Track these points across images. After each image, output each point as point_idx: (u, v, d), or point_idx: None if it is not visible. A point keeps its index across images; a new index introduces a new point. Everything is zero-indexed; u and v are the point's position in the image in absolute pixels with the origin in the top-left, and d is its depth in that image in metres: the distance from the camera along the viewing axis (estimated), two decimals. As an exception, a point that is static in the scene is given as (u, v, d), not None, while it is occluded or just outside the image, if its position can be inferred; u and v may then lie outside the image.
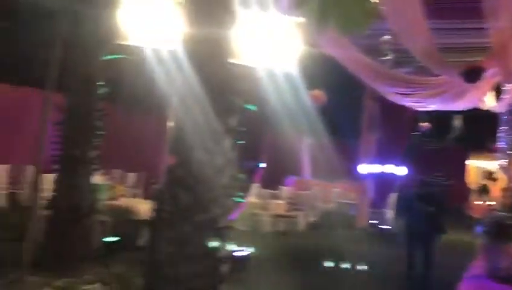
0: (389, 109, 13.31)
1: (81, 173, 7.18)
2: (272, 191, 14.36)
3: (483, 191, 22.82)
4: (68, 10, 4.19)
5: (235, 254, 7.94)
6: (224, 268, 3.65)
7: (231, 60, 3.50)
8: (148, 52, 3.88)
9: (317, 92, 8.48)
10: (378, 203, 14.37)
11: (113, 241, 7.75)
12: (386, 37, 7.76)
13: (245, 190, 5.85)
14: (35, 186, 8.31)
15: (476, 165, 24.89)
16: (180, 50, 3.42)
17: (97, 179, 8.73)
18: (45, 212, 7.34)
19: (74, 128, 7.08)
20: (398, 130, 14.32)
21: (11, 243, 7.02)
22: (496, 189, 19.64)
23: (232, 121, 3.61)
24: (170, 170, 3.53)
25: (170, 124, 3.66)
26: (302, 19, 3.73)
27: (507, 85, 9.73)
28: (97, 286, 5.79)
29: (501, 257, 9.11)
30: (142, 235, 8.15)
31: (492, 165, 13.88)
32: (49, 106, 4.16)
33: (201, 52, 3.45)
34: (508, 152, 10.10)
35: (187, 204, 3.46)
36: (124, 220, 8.68)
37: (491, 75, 7.93)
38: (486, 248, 9.09)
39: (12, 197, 11.98)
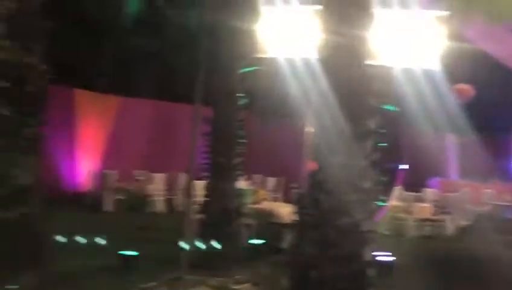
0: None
1: (227, 179, 7.69)
2: (416, 193, 13.63)
3: None
4: (211, 30, 4.57)
5: (379, 258, 7.75)
6: (371, 272, 3.61)
7: (368, 62, 3.45)
8: (283, 62, 4.03)
9: (463, 87, 7.88)
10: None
11: (259, 244, 8.11)
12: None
13: (387, 192, 5.67)
14: (188, 192, 9.15)
15: None
16: (315, 57, 3.49)
17: (241, 184, 9.27)
18: (198, 216, 8.02)
19: (219, 138, 7.62)
20: None
21: (170, 245, 7.79)
22: None
23: (371, 123, 3.56)
24: (311, 175, 3.61)
25: (308, 130, 3.74)
26: (445, 12, 3.54)
27: None
28: (247, 285, 6.11)
29: None
30: (285, 237, 8.41)
31: None
32: (198, 119, 4.55)
33: (338, 56, 3.48)
34: None
35: (329, 208, 3.50)
36: (267, 223, 9.03)
37: None
38: None
39: (169, 202, 13.30)
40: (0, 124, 3.20)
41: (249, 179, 13.97)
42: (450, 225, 11.90)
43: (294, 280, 3.62)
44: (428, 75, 4.58)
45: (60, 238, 8.42)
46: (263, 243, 8.09)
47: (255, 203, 10.36)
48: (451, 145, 23.67)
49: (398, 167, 7.73)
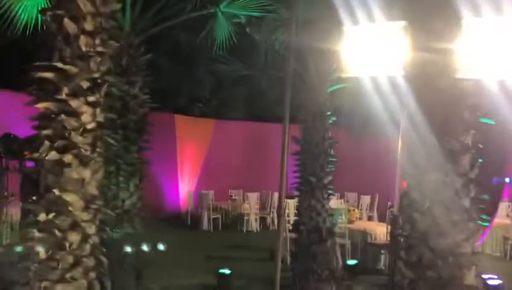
0: None
1: (318, 198, 7.65)
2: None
3: None
4: (297, 51, 4.66)
5: (487, 282, 7.17)
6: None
7: (459, 75, 3.29)
8: (369, 80, 3.96)
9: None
10: None
11: (353, 264, 7.93)
12: None
13: (491, 211, 5.28)
14: (280, 211, 9.23)
15: None
16: (400, 74, 3.39)
17: (334, 203, 9.14)
18: (291, 235, 8.05)
19: (309, 156, 7.63)
20: None
21: (263, 263, 7.90)
22: None
23: (467, 139, 3.37)
24: (405, 194, 3.49)
25: (400, 146, 3.63)
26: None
27: None
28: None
29: None
30: (380, 258, 8.13)
31: None
32: (287, 138, 4.63)
33: (428, 72, 3.36)
34: None
35: (424, 228, 3.36)
36: (361, 242, 8.81)
37: None
38: None
39: (263, 221, 13.50)
40: (108, 151, 3.53)
41: (342, 197, 13.75)
42: None
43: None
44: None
45: (159, 256, 8.97)
46: (357, 263, 7.89)
47: (349, 222, 10.16)
48: None
49: (503, 182, 7.12)
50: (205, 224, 13.09)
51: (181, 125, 14.72)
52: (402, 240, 3.49)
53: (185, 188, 14.82)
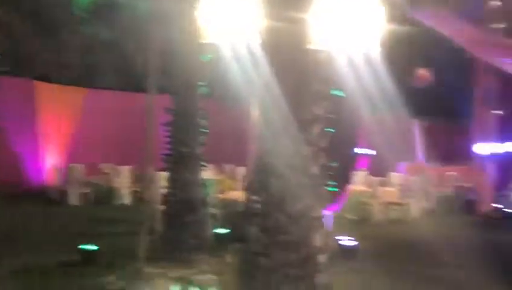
0: (507, 81, 12.08)
1: (190, 169, 7.62)
2: (382, 178, 13.87)
3: None
4: (159, 17, 4.47)
5: (342, 243, 7.85)
6: (322, 258, 3.62)
7: (311, 46, 3.43)
8: (227, 48, 3.96)
9: (421, 72, 7.97)
10: (501, 185, 13.15)
11: (224, 233, 8.09)
12: (495, 3, 7.03)
13: (344, 178, 5.73)
14: (151, 183, 9.04)
15: None
16: (257, 42, 3.44)
17: (207, 174, 9.20)
18: (162, 207, 7.94)
19: (181, 128, 7.53)
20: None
21: (134, 237, 7.70)
22: None
23: (318, 109, 3.56)
24: (258, 158, 3.59)
25: (254, 114, 3.70)
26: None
27: None
28: (210, 276, 6.08)
29: None
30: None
31: None
32: (152, 108, 4.47)
33: (280, 40, 3.44)
34: None
35: (279, 193, 3.49)
36: (233, 212, 9.02)
37: None
38: None
39: (135, 194, 13.14)
40: None
41: (218, 169, 13.92)
42: (415, 207, 12.16)
43: (246, 268, 3.62)
44: (377, 59, 4.60)
45: (18, 233, 8.26)
46: (228, 233, 8.07)
47: (221, 193, 10.34)
48: (417, 131, 24.20)
49: (355, 152, 7.76)
50: (74, 199, 12.38)
51: (44, 93, 13.52)
52: (257, 206, 3.59)
53: (51, 161, 13.77)
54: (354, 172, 9.11)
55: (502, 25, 6.83)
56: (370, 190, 12.00)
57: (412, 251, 8.57)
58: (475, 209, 13.10)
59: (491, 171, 13.06)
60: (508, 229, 10.96)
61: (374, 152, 19.54)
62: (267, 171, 3.55)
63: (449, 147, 20.77)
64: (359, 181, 13.44)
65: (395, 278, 6.73)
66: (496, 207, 12.98)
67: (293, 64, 3.46)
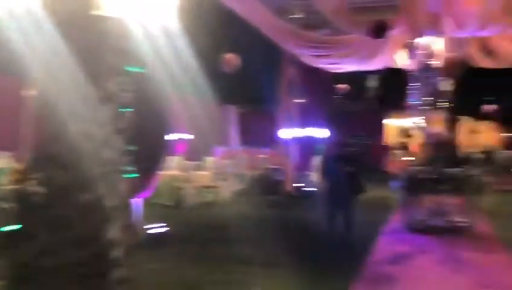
0: (307, 72, 13.26)
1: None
2: (197, 162, 13.98)
3: (401, 148, 23.92)
4: None
5: (151, 231, 7.57)
6: (116, 252, 3.26)
7: (99, 12, 3.00)
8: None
9: (229, 56, 8.07)
10: (302, 166, 14.48)
11: (14, 230, 7.02)
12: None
13: (153, 163, 5.41)
14: None
15: (394, 124, 26.04)
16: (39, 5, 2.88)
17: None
18: None
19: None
20: (318, 93, 14.36)
21: None
22: (413, 146, 20.62)
23: (111, 86, 3.15)
24: (41, 146, 3.04)
25: (32, 91, 3.12)
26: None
27: (418, 43, 9.92)
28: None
29: (417, 210, 9.51)
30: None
31: (408, 122, 14.33)
32: None
33: (64, 5, 2.94)
34: (420, 108, 10.37)
35: (65, 184, 3.01)
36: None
37: (400, 32, 7.99)
38: (403, 201, 9.47)
39: None
40: None
41: (14, 156, 12.16)
42: (227, 189, 12.55)
43: (22, 272, 3.04)
44: (182, 38, 4.41)
45: None
46: (20, 229, 7.01)
47: (14, 183, 9.01)
48: (232, 116, 25.27)
49: (170, 136, 7.52)
50: None
51: None
52: (38, 199, 3.04)
53: None
54: (166, 156, 8.86)
55: (299, 15, 7.23)
56: (184, 174, 11.94)
57: (219, 232, 8.78)
58: (281, 189, 14.15)
59: (293, 154, 14.24)
60: (305, 206, 12.10)
61: (190, 137, 19.74)
62: (49, 158, 3.02)
63: (260, 132, 22.24)
64: (173, 166, 13.31)
65: (200, 261, 6.76)
66: (297, 186, 14.24)
67: (79, 32, 2.98)
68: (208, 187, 12.21)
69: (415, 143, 11.28)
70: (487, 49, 10.10)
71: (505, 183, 18.51)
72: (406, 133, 23.05)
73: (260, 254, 7.14)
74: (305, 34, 8.34)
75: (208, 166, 14.30)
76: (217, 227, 9.37)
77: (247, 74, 20.31)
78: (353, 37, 8.34)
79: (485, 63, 10.73)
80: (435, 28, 7.19)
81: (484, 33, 7.54)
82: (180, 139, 19.00)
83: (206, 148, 18.08)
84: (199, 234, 8.76)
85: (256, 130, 24.02)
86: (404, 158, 22.79)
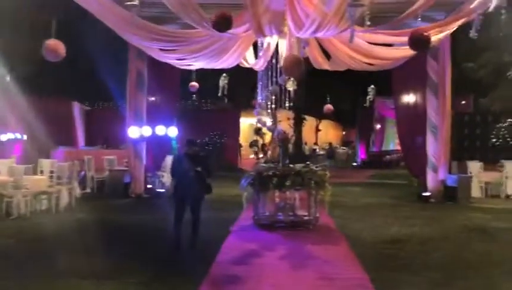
0: (157, 68, 12.70)
1: None
2: (32, 165, 12.40)
3: (254, 146, 24.64)
4: None
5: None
6: None
7: None
8: None
9: (52, 42, 7.04)
10: (152, 167, 13.85)
11: None
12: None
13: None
14: None
15: (248, 122, 26.78)
16: None
17: None
18: None
19: None
20: (168, 91, 13.85)
21: None
22: (265, 143, 21.38)
23: None
24: None
25: None
26: None
27: (264, 43, 10.08)
28: None
29: (265, 206, 9.67)
30: None
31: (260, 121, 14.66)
32: None
33: None
34: (268, 107, 10.60)
35: None
36: None
37: (245, 29, 7.96)
38: (252, 198, 9.55)
39: None
40: None
41: None
42: (68, 194, 11.34)
43: None
44: None
45: None
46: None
47: None
48: (77, 114, 23.34)
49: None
50: None
51: None
52: None
53: None
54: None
55: (135, 2, 6.62)
56: (14, 179, 10.43)
57: (47, 244, 7.82)
58: (129, 192, 13.35)
59: (143, 154, 13.52)
60: (154, 208, 11.55)
61: (24, 137, 17.62)
62: None
63: (109, 131, 20.86)
64: (2, 171, 11.65)
65: (21, 278, 5.88)
66: (148, 188, 13.59)
67: None
68: (43, 193, 10.86)
69: (267, 141, 11.51)
70: (326, 52, 10.74)
71: (343, 177, 20.31)
72: (258, 131, 23.86)
73: (95, 264, 6.48)
74: (151, 26, 7.81)
75: (45, 169, 12.80)
76: (46, 238, 8.32)
77: (93, 68, 18.93)
78: (200, 32, 8.06)
79: (325, 65, 11.42)
80: (277, 28, 7.29)
81: (319, 34, 7.87)
82: (13, 140, 16.81)
83: (44, 150, 16.33)
84: (22, 247, 7.66)
85: (104, 129, 22.51)
86: (256, 156, 23.64)
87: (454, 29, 7.55)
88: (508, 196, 13.85)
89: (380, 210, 11.57)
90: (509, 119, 17.97)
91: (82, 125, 23.95)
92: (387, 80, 14.38)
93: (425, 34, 5.83)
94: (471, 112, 19.14)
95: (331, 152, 29.70)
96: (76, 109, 23.60)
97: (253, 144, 26.75)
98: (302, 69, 6.99)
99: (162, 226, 8.51)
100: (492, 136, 18.44)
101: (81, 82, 22.42)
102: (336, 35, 8.26)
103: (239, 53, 10.24)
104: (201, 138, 23.76)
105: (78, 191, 12.08)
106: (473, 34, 6.21)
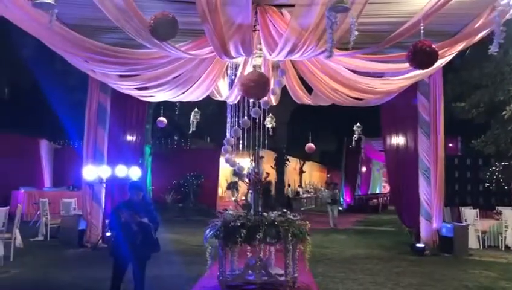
0: (119, 100, 11.37)
1: None
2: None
3: (233, 188, 23.10)
4: None
5: None
6: None
7: None
8: None
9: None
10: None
11: None
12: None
13: None
14: None
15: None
16: None
17: None
18: None
19: None
20: (132, 126, 12.45)
21: None
22: (243, 186, 19.88)
23: None
24: None
25: None
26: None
27: (238, 72, 8.87)
28: None
29: (233, 263, 8.12)
30: None
31: (243, 163, 13.11)
32: None
33: None
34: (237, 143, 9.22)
35: None
36: None
37: (210, 50, 6.72)
38: (218, 253, 8.04)
39: None
40: None
41: None
42: (2, 246, 9.60)
43: None
44: None
45: None
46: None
47: None
48: (44, 152, 21.75)
49: None
50: None
51: None
52: None
53: None
54: None
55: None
56: None
57: None
58: (85, 240, 11.70)
59: (101, 197, 11.94)
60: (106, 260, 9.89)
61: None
62: None
63: (72, 171, 19.20)
64: None
65: None
66: (106, 236, 11.90)
67: None
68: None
69: (246, 184, 10.11)
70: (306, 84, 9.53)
71: (328, 222, 18.85)
72: (237, 173, 22.38)
73: None
74: (87, 41, 6.48)
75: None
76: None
77: (53, 101, 17.58)
78: (157, 53, 6.79)
79: (305, 99, 10.20)
80: (246, 47, 6.03)
81: (296, 57, 6.65)
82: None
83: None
84: None
85: (74, 169, 20.86)
86: (234, 199, 22.04)
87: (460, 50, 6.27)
88: (508, 247, 12.51)
89: (369, 265, 10.09)
90: (503, 163, 16.93)
91: (50, 165, 22.31)
92: (375, 119, 13.27)
93: (432, 46, 4.64)
94: (461, 154, 18.12)
95: (334, 196, 23.38)
96: (44, 147, 22.04)
97: (231, 186, 25.11)
98: (266, 88, 5.67)
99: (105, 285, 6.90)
100: (485, 180, 17.36)
101: (51, 118, 21.01)
102: (316, 62, 7.07)
103: (209, 83, 8.99)
104: (177, 180, 22.30)
105: (19, 241, 10.38)
106: (493, 49, 5.03)
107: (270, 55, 6.27)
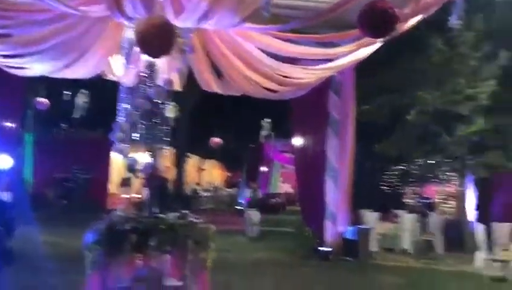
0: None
1: None
2: None
3: (125, 184, 21.15)
4: None
5: None
6: None
7: None
8: None
9: None
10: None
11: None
12: None
13: None
14: None
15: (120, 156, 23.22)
16: None
17: None
18: None
19: None
20: (4, 109, 10.35)
21: None
22: (138, 182, 18.15)
23: None
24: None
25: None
26: None
27: (135, 53, 7.49)
28: None
29: (119, 274, 6.75)
30: None
31: (138, 156, 11.40)
32: None
33: None
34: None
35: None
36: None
37: (100, 9, 5.33)
38: (100, 262, 6.61)
39: None
40: None
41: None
42: None
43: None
44: None
45: None
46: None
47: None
48: None
49: None
50: None
51: None
52: None
53: None
54: None
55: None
56: None
57: None
58: None
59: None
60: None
61: None
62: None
63: None
64: None
65: None
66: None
67: None
68: None
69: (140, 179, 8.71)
70: (218, 70, 8.41)
71: (228, 222, 17.97)
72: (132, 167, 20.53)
73: None
74: None
75: None
76: None
77: None
78: (38, 6, 5.23)
79: (213, 86, 9.08)
80: (146, 5, 4.74)
81: (208, 25, 5.53)
82: None
83: None
84: None
85: None
86: (126, 196, 20.23)
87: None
88: (404, 251, 12.58)
89: (273, 270, 9.33)
90: (400, 166, 17.35)
91: None
92: (282, 117, 12.64)
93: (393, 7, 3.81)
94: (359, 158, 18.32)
95: (215, 194, 24.39)
96: None
97: (125, 182, 23.02)
98: (170, 40, 4.40)
99: None
100: (382, 182, 17.73)
101: None
102: (234, 34, 6.02)
103: (102, 55, 7.48)
104: (62, 173, 20.01)
105: None
106: (452, 21, 4.38)
107: (175, 18, 5.06)
